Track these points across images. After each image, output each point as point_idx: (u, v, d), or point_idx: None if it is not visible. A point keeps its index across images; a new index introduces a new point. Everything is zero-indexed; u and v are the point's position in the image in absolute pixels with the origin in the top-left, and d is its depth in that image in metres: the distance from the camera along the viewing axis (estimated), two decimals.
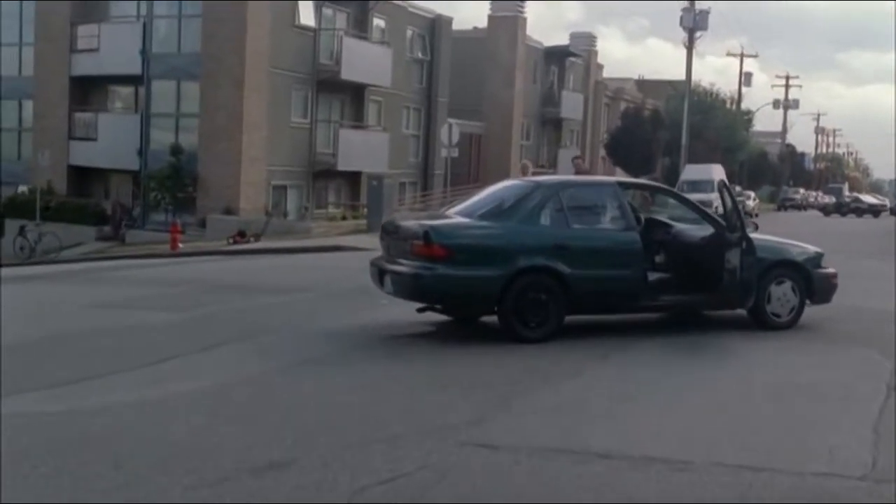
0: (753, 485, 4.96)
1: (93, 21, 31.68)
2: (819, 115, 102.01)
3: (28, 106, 33.63)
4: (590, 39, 56.46)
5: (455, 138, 30.79)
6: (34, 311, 10.73)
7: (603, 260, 9.32)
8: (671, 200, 11.98)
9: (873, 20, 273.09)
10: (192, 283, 14.42)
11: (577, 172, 20.31)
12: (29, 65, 33.09)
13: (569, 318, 9.18)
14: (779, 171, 76.04)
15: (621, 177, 34.15)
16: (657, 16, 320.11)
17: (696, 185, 35.83)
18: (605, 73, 61.04)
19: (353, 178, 34.43)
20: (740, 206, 11.05)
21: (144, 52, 30.55)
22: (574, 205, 9.52)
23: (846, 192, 72.90)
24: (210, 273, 16.58)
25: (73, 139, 32.23)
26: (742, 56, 67.25)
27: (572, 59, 52.61)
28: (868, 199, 65.29)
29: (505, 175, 28.51)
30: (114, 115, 32.98)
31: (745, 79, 66.89)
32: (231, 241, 24.63)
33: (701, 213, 10.33)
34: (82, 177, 32.70)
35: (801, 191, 74.22)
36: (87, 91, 32.71)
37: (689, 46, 46.97)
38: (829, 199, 66.00)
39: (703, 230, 10.10)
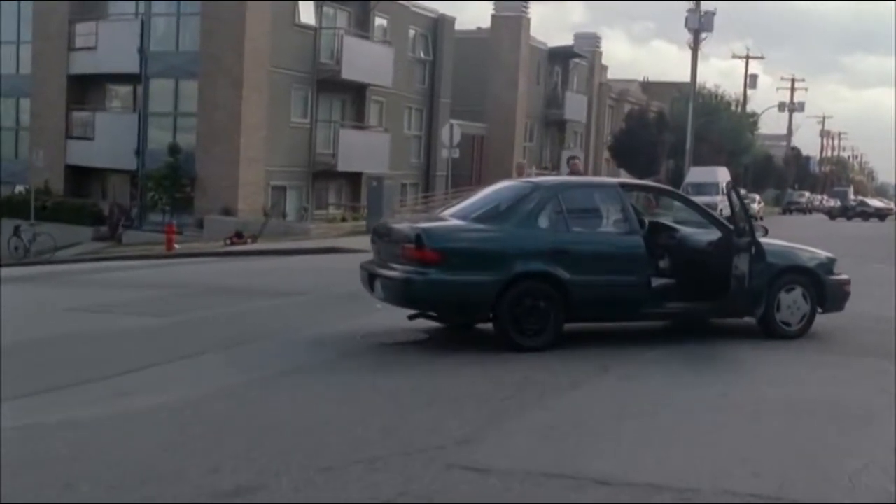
0: None
1: (91, 19, 31.49)
2: (824, 118, 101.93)
3: (26, 104, 33.37)
4: (594, 40, 55.96)
5: (456, 139, 30.38)
6: (8, 315, 10.28)
7: (604, 265, 8.86)
8: (676, 203, 11.45)
9: (878, 23, 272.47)
10: (180, 286, 14.02)
11: (573, 173, 19.81)
12: (27, 63, 32.91)
13: (568, 326, 8.73)
14: (784, 174, 75.69)
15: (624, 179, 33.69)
16: (662, 17, 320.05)
17: (700, 188, 35.63)
18: (610, 75, 60.60)
19: (354, 178, 34.09)
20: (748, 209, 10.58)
21: (142, 50, 30.24)
22: (574, 207, 9.05)
23: (851, 196, 72.30)
24: (202, 275, 16.20)
25: (70, 138, 32.03)
26: (747, 58, 67.07)
27: (576, 60, 52.23)
28: (874, 202, 64.62)
29: (507, 176, 28.04)
30: (111, 114, 32.73)
31: (751, 81, 66.75)
32: (228, 242, 24.34)
33: (708, 216, 9.88)
34: (80, 176, 32.45)
35: (807, 194, 73.89)
36: (85, 90, 32.44)
37: (695, 48, 46.59)
38: (834, 203, 65.42)
39: (710, 234, 9.67)
